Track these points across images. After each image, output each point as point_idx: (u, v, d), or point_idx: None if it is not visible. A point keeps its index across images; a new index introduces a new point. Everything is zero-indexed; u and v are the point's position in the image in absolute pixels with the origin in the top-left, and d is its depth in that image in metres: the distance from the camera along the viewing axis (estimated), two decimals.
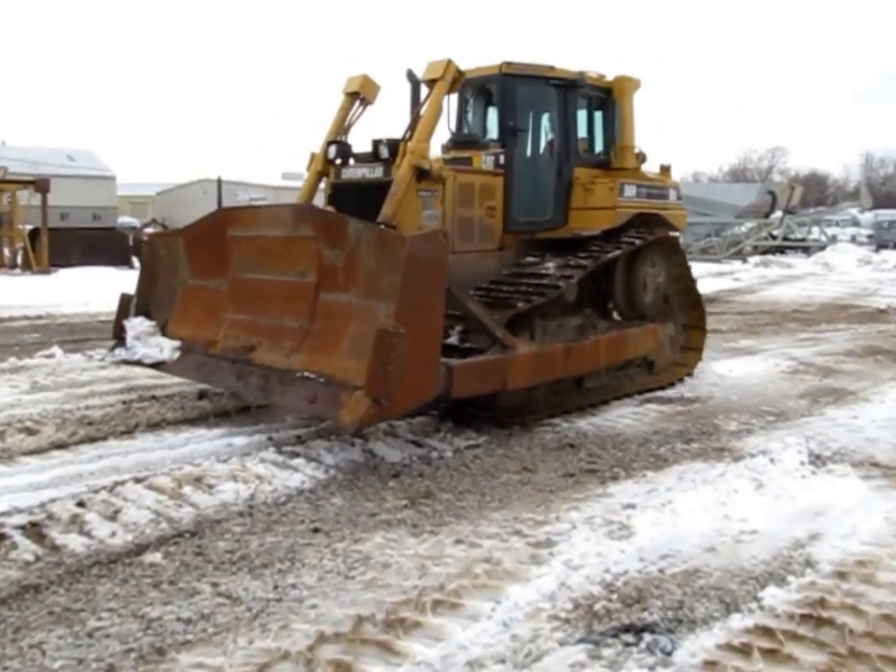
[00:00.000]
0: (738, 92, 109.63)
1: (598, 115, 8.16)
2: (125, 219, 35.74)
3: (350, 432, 5.38)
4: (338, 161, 6.95)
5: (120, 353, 6.92)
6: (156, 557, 3.84)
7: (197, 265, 6.79)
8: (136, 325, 6.97)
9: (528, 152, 7.78)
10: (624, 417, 6.81)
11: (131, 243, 23.16)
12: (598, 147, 8.22)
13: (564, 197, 7.74)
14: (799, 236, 32.52)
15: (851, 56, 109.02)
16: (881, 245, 34.61)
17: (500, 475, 5.22)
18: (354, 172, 6.82)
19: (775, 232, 31.79)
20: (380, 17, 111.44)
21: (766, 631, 3.29)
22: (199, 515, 4.37)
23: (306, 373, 5.35)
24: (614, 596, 3.53)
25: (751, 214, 32.27)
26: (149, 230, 26.33)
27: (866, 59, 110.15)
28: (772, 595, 3.59)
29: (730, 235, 31.62)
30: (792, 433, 6.17)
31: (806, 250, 30.63)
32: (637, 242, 7.54)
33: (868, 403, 7.37)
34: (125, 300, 7.21)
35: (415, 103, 6.96)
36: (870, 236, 37.81)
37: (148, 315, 7.09)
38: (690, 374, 8.40)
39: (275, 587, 3.57)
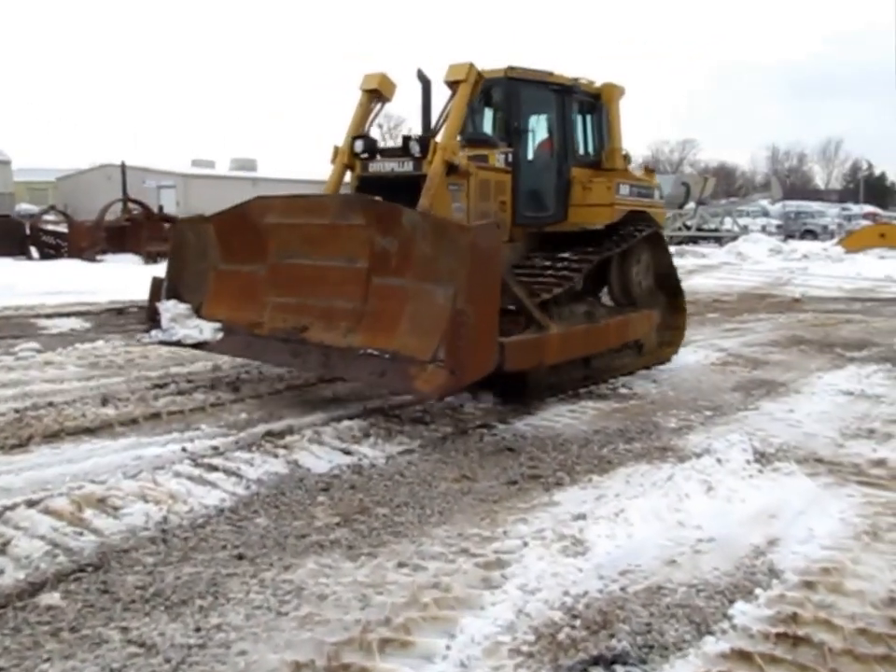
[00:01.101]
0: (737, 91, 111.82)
1: (589, 119, 8.71)
2: (24, 206, 33.81)
3: (433, 399, 6.18)
4: (364, 155, 7.26)
5: (157, 334, 7.06)
6: (53, 598, 3.30)
7: (229, 250, 7.02)
8: (171, 307, 7.12)
9: (531, 152, 8.31)
10: (562, 416, 6.54)
11: (28, 231, 21.71)
12: (590, 148, 8.75)
13: (564, 194, 8.30)
14: (712, 226, 33.43)
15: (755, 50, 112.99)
16: (789, 235, 36.09)
17: (438, 484, 4.86)
18: (382, 166, 7.17)
19: (689, 223, 32.52)
20: (379, 17, 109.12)
21: (743, 655, 3.04)
22: (103, 544, 3.82)
23: (369, 350, 5.75)
24: (577, 622, 3.22)
25: (666, 204, 32.84)
26: (49, 217, 24.80)
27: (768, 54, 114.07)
28: (742, 611, 3.36)
29: None
30: (733, 429, 6.04)
31: (719, 240, 31.48)
32: (644, 233, 8.14)
33: (800, 395, 7.35)
34: (156, 283, 7.37)
35: (426, 101, 7.23)
36: (779, 226, 39.44)
37: (180, 298, 7.25)
38: (676, 352, 8.99)
39: (197, 629, 3.10)
